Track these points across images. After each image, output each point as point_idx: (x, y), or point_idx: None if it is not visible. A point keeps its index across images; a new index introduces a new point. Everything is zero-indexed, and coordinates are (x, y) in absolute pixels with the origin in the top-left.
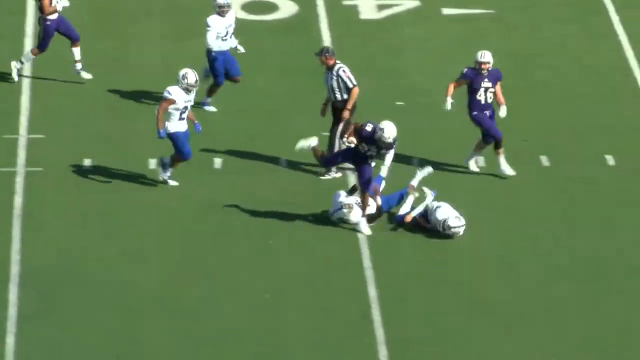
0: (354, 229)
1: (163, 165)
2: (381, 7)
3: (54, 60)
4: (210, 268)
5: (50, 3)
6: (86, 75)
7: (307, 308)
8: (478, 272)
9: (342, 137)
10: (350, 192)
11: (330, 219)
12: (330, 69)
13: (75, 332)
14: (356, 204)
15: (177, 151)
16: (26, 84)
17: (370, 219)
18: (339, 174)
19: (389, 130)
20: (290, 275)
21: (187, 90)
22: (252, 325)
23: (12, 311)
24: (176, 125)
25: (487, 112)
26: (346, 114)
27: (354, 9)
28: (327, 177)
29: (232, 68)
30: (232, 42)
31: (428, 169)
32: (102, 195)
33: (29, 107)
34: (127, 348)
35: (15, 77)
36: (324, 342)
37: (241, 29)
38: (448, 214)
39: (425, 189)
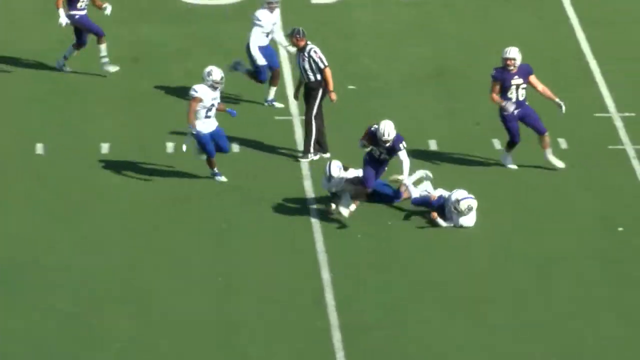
0: (307, 212)
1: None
2: None
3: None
4: (166, 254)
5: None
6: (112, 68)
7: (261, 292)
8: (431, 256)
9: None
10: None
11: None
12: (301, 50)
13: (33, 319)
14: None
15: (203, 150)
16: None
17: (360, 196)
18: (317, 157)
19: (382, 127)
20: (244, 259)
21: (213, 87)
22: (206, 309)
23: None
24: (201, 125)
25: (516, 111)
26: (333, 96)
27: None
28: (305, 160)
29: (271, 58)
30: (278, 38)
31: (427, 174)
32: (60, 181)
33: None
34: (86, 334)
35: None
36: (277, 326)
37: (193, 14)
38: (455, 196)
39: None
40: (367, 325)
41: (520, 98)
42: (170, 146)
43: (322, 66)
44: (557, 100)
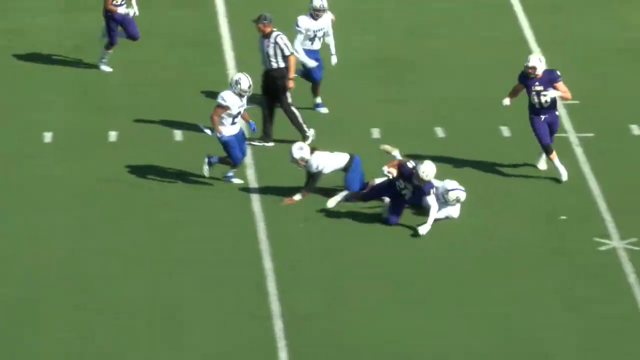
0: (250, 201)
1: (209, 163)
2: None
3: None
4: (107, 241)
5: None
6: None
7: (203, 280)
8: (375, 245)
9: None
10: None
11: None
12: (267, 36)
13: None
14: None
15: (228, 155)
16: None
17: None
18: (270, 144)
19: (425, 167)
20: (186, 247)
21: (240, 95)
22: (148, 297)
23: None
24: (227, 130)
25: (543, 117)
26: (291, 83)
27: None
28: (308, 140)
29: (313, 72)
30: (331, 47)
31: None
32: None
33: None
34: (24, 318)
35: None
36: (219, 314)
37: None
38: (445, 186)
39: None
40: (309, 313)
41: (544, 105)
42: (113, 135)
43: (287, 53)
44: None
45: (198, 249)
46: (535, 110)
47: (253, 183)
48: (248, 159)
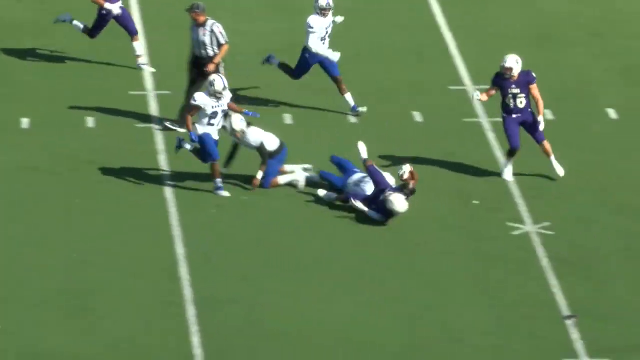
0: (162, 187)
1: (179, 145)
2: None
3: None
4: (18, 228)
5: None
6: (148, 68)
7: (115, 266)
8: (285, 230)
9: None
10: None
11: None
12: (201, 25)
13: None
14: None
15: (204, 152)
16: None
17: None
18: (183, 130)
19: (396, 202)
20: (99, 233)
21: (215, 96)
22: (60, 283)
23: None
24: (204, 129)
25: (516, 116)
26: (212, 67)
27: None
28: (170, 126)
29: (331, 68)
30: (328, 48)
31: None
32: None
33: None
34: None
35: None
36: (132, 299)
37: None
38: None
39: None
40: (221, 299)
41: (520, 106)
42: (25, 122)
43: (222, 42)
44: (541, 117)
45: (110, 235)
46: (509, 110)
47: (165, 168)
48: (160, 145)
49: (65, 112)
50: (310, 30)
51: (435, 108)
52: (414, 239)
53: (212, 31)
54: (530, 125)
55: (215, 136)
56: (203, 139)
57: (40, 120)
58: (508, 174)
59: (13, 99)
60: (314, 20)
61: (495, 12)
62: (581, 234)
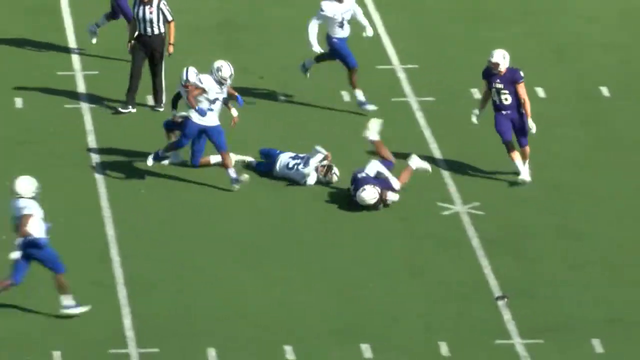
0: (91, 168)
1: (156, 157)
2: None
3: None
4: None
5: None
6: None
7: None
8: (216, 211)
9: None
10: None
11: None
12: (147, 3)
13: None
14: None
15: (181, 134)
16: None
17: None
18: (134, 110)
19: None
20: None
21: (220, 83)
22: None
23: None
24: (195, 115)
25: (505, 112)
26: (171, 49)
27: None
28: (125, 111)
29: (349, 59)
30: (366, 25)
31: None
32: None
33: None
34: None
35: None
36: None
37: None
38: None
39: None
40: (152, 280)
41: (505, 102)
42: None
43: (169, 19)
44: (529, 120)
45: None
46: (496, 106)
47: (94, 149)
48: (89, 125)
49: None
50: (321, 13)
51: (363, 87)
52: (342, 219)
53: (159, 8)
54: (517, 127)
55: (210, 122)
56: (189, 125)
57: None
58: (525, 173)
59: None
60: (326, 4)
61: None
62: (511, 213)
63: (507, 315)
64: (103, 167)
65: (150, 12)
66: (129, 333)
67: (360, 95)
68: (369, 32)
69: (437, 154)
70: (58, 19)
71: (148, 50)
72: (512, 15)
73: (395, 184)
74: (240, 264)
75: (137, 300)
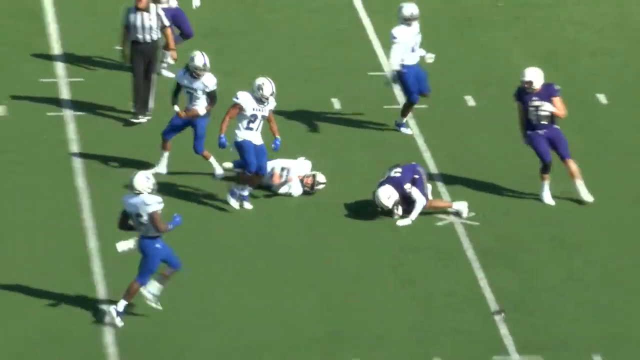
0: (73, 177)
1: (232, 193)
2: None
3: None
4: None
5: None
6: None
7: (25, 261)
8: (201, 222)
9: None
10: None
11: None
12: (145, 9)
13: None
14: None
15: (242, 160)
16: None
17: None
18: (145, 120)
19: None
20: (8, 223)
21: (260, 101)
22: None
23: None
24: (243, 134)
25: (542, 132)
26: (174, 54)
27: None
28: (137, 121)
29: (421, 82)
30: (419, 53)
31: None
32: None
33: None
34: None
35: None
36: (43, 294)
37: None
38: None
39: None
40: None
41: (542, 121)
42: None
43: (167, 24)
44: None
45: (20, 225)
46: (532, 125)
47: (77, 158)
48: (71, 134)
49: None
50: (394, 40)
51: (355, 94)
52: (334, 228)
53: (158, 15)
54: (556, 142)
55: (257, 141)
56: (240, 147)
57: None
58: (547, 197)
59: None
60: (398, 31)
61: None
62: (506, 224)
63: (503, 330)
64: (86, 177)
65: (150, 19)
66: (111, 350)
67: (401, 120)
68: (430, 57)
69: (430, 163)
70: (42, 25)
71: (146, 57)
72: (505, 20)
73: (423, 197)
74: (224, 275)
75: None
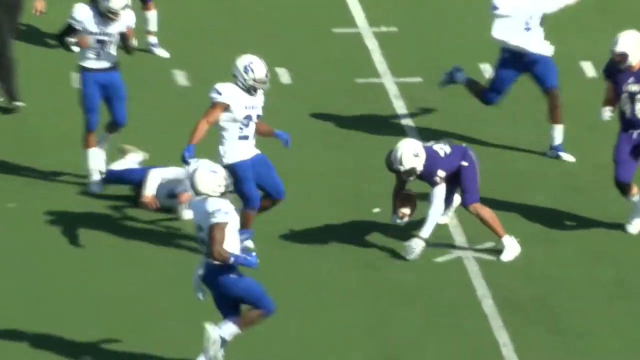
0: None
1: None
2: None
3: None
4: None
5: None
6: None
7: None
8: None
9: None
10: None
11: None
12: None
13: None
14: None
15: (238, 191)
16: None
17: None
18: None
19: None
20: None
21: (252, 90)
22: None
23: None
24: (235, 149)
25: (636, 133)
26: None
27: None
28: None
29: (547, 75)
30: (536, 38)
31: None
32: None
33: None
34: None
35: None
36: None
37: None
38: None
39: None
40: None
41: (638, 114)
42: None
43: None
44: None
45: None
46: (625, 121)
47: None
48: None
49: None
50: (495, 12)
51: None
52: (307, 246)
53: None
54: None
55: (252, 151)
56: (237, 169)
57: None
58: (634, 226)
59: None
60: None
61: None
62: (544, 259)
63: None
64: None
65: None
66: None
67: (559, 136)
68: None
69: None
70: None
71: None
72: None
73: (442, 202)
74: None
75: None
